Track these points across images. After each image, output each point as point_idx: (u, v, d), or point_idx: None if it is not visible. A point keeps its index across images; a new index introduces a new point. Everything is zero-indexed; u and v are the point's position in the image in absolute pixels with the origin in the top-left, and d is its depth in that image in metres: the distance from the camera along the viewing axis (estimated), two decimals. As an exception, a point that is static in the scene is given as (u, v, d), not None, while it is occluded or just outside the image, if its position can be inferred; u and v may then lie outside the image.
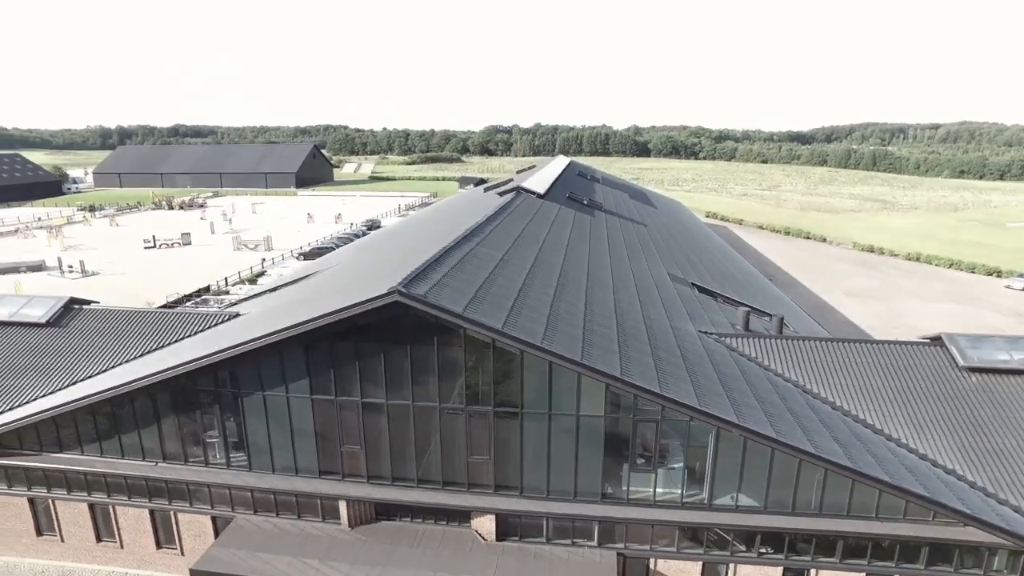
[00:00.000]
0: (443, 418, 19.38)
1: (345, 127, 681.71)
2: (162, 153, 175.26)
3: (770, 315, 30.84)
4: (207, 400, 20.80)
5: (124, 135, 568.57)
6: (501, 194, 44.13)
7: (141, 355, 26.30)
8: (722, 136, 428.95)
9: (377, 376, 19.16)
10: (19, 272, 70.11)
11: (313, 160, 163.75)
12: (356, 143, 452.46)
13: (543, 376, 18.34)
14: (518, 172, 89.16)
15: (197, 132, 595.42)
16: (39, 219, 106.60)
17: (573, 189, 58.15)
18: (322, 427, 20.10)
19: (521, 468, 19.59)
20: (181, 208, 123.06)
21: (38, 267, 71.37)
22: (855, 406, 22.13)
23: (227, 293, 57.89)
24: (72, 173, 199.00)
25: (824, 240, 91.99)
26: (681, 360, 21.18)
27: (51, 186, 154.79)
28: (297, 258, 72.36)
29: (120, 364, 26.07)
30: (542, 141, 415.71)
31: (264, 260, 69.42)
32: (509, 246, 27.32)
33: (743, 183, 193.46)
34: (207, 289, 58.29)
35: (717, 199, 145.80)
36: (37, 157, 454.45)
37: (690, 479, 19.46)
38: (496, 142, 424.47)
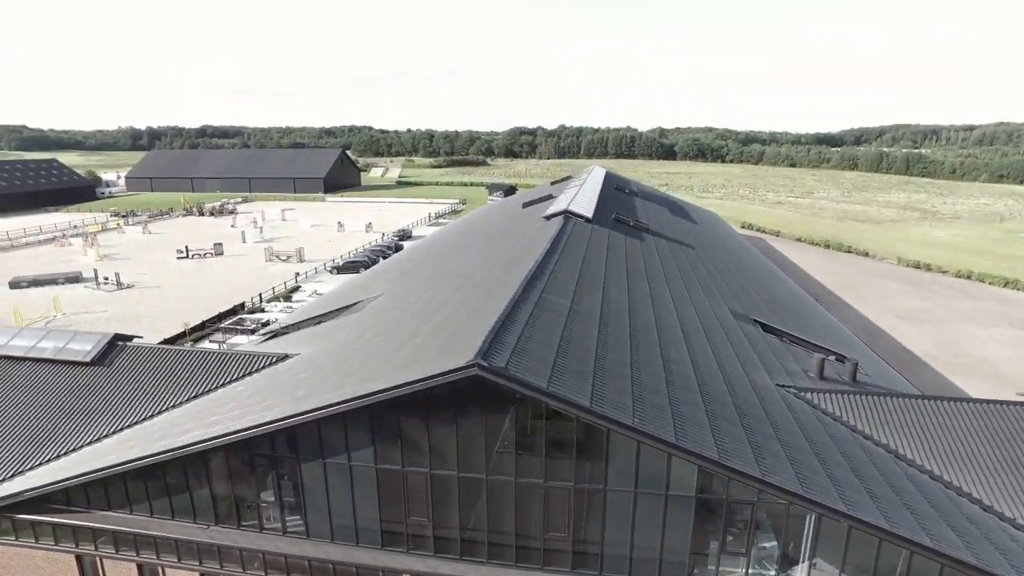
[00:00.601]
0: (518, 492, 17.98)
1: (370, 128, 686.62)
2: (192, 157, 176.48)
3: (843, 358, 29.03)
4: (263, 464, 19.63)
5: (154, 136, 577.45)
6: (548, 218, 42.66)
7: (190, 399, 25.30)
8: (748, 138, 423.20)
9: (448, 447, 17.83)
10: (57, 284, 70.18)
11: (341, 165, 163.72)
12: (381, 144, 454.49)
13: (630, 453, 16.88)
14: (553, 183, 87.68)
15: (224, 133, 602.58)
16: (75, 226, 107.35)
17: (616, 207, 56.54)
18: (387, 497, 18.81)
19: (602, 547, 18.14)
20: (212, 214, 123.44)
21: (75, 279, 71.38)
22: (957, 476, 20.36)
23: (262, 311, 57.15)
24: (105, 176, 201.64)
25: (866, 254, 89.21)
26: (770, 427, 19.56)
27: (86, 191, 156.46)
28: (331, 271, 71.57)
29: (168, 408, 25.10)
30: (567, 143, 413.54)
31: (297, 275, 68.68)
32: (573, 289, 25.87)
33: (775, 189, 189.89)
34: (242, 307, 57.56)
35: (750, 207, 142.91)
36: (71, 158, 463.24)
37: (784, 561, 17.87)
38: (521, 144, 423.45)
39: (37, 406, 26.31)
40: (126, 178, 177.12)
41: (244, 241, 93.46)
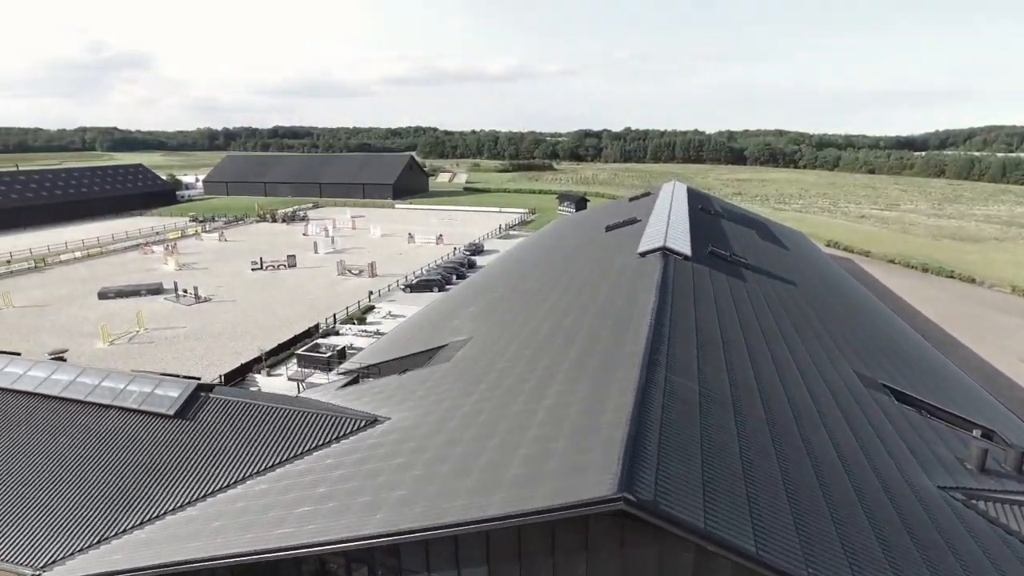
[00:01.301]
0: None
1: (435, 129, 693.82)
2: (265, 162, 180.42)
3: (1007, 444, 25.15)
4: (361, 570, 17.64)
5: (229, 136, 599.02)
6: (643, 254, 39.73)
7: (274, 465, 23.69)
8: (823, 143, 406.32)
9: None
10: (140, 295, 71.40)
11: (410, 171, 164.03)
12: (446, 146, 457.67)
13: (800, 605, 14.01)
14: (631, 199, 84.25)
15: (295, 134, 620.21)
16: (157, 232, 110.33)
17: (707, 235, 53.04)
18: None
19: None
20: (284, 221, 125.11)
21: (156, 290, 72.50)
22: None
23: (337, 333, 56.16)
24: (184, 178, 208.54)
25: (972, 280, 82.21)
26: (954, 559, 16.30)
27: (167, 195, 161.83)
28: (404, 289, 70.38)
29: (252, 474, 23.57)
30: (633, 147, 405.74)
31: (371, 293, 67.67)
32: (695, 361, 23.04)
33: (856, 200, 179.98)
34: (316, 328, 56.71)
35: (832, 222, 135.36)
36: (155, 159, 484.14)
37: None
38: (586, 147, 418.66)
39: (122, 460, 25.28)
40: (204, 181, 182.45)
41: (316, 251, 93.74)
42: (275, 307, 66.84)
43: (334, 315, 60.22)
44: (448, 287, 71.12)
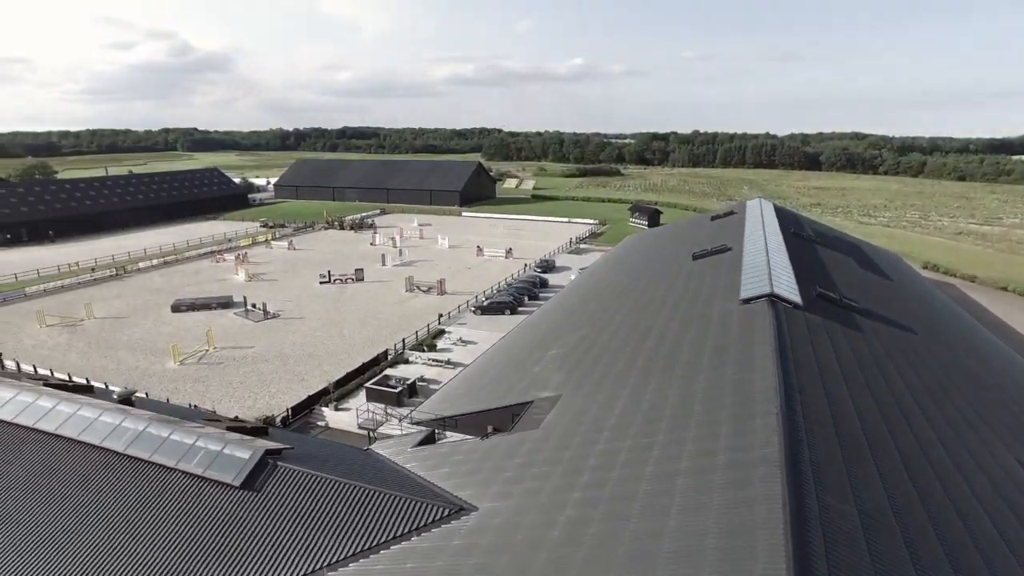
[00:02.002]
0: None
1: (499, 131, 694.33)
2: (333, 167, 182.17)
3: None
4: None
5: (299, 137, 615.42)
6: (746, 301, 35.65)
7: (347, 557, 21.08)
8: (906, 146, 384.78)
9: None
10: (211, 308, 71.28)
11: (477, 177, 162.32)
12: (511, 148, 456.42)
13: None
14: (714, 217, 79.24)
15: (362, 134, 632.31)
16: (229, 239, 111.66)
17: (807, 270, 48.24)
18: None
19: None
20: (352, 228, 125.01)
21: (226, 303, 72.29)
22: None
23: (406, 361, 53.90)
24: (256, 181, 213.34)
25: (1104, 315, 73.59)
26: None
27: (240, 199, 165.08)
28: (474, 311, 67.79)
29: (323, 565, 21.03)
30: (701, 151, 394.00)
31: (441, 316, 65.35)
32: (842, 466, 19.19)
33: (949, 212, 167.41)
34: (385, 355, 54.63)
35: (927, 239, 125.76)
36: (230, 159, 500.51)
37: None
38: (652, 150, 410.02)
39: (179, 535, 23.19)
40: (275, 185, 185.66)
41: (384, 263, 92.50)
42: (343, 327, 65.34)
43: (403, 340, 58.08)
44: (520, 309, 68.25)
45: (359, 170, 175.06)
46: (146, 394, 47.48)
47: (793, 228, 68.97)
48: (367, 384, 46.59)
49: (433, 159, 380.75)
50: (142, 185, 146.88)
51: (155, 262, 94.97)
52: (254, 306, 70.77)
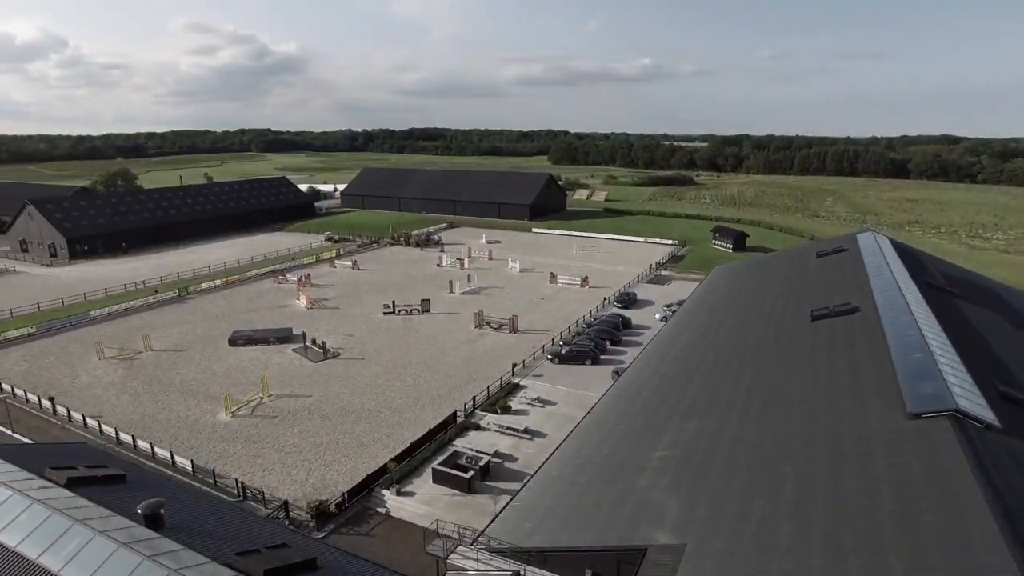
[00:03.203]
0: None
1: (566, 133, 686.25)
2: (401, 177, 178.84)
3: None
4: None
5: (368, 138, 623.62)
6: (915, 416, 27.43)
7: None
8: (1008, 151, 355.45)
9: None
10: (268, 343, 67.02)
11: (548, 190, 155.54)
12: (578, 152, 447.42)
13: None
14: (820, 255, 69.83)
15: (428, 135, 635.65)
16: (292, 257, 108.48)
17: (971, 349, 39.21)
18: None
19: None
20: (418, 245, 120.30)
21: (286, 338, 67.87)
22: None
23: (477, 427, 47.60)
24: (323, 187, 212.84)
25: None
26: None
27: (306, 208, 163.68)
28: (551, 359, 60.94)
29: None
30: (777, 157, 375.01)
31: (515, 366, 58.81)
32: None
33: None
34: (453, 418, 48.47)
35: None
36: (301, 160, 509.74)
37: None
38: (725, 156, 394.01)
39: None
40: (341, 194, 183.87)
41: (451, 290, 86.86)
42: (407, 372, 59.67)
43: (473, 398, 51.78)
44: (602, 357, 61.11)
45: (426, 180, 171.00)
46: (191, 463, 42.85)
47: (924, 276, 59.18)
48: (434, 465, 40.43)
49: (500, 165, 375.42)
50: (211, 195, 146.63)
51: (218, 282, 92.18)
52: (313, 342, 66.10)
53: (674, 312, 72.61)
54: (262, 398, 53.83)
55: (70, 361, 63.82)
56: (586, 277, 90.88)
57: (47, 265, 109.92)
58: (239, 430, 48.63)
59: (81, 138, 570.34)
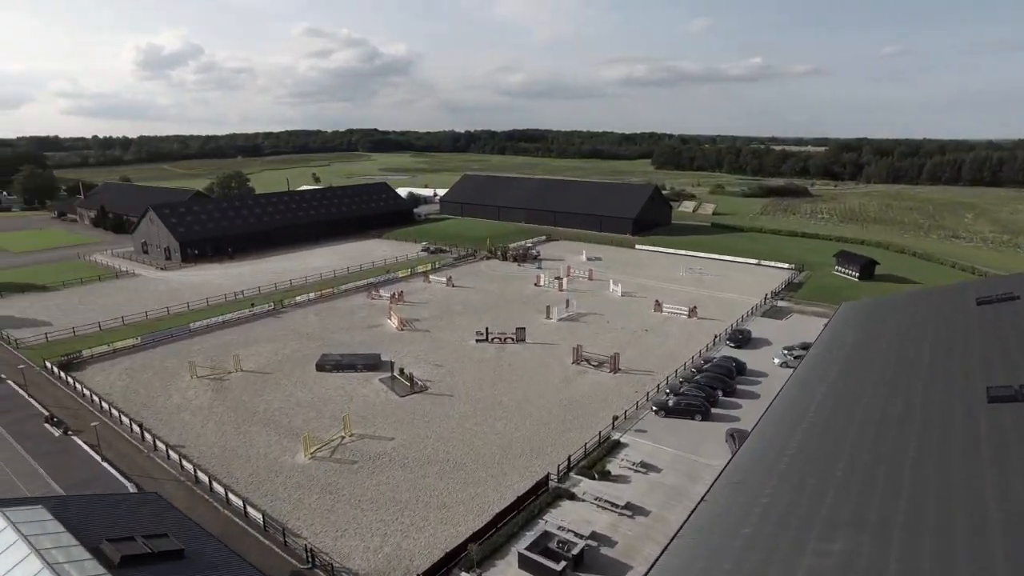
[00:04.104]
0: None
1: (670, 136, 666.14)
2: (500, 185, 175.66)
3: None
4: None
5: (470, 139, 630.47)
6: None
7: None
8: None
9: None
10: (356, 369, 64.50)
11: (652, 202, 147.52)
12: (683, 157, 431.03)
13: None
14: (980, 302, 59.44)
15: (530, 137, 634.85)
16: (387, 271, 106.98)
17: None
18: None
19: None
20: (515, 260, 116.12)
21: (373, 365, 65.11)
22: None
23: (570, 496, 42.24)
24: (423, 192, 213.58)
25: None
26: None
27: (405, 215, 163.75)
28: (656, 411, 54.60)
29: None
30: (903, 164, 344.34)
31: (615, 419, 52.93)
32: None
33: None
34: (545, 483, 43.32)
35: None
36: (405, 160, 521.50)
37: None
38: (843, 163, 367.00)
39: None
40: (441, 201, 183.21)
41: (548, 315, 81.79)
42: (495, 416, 55.08)
43: (568, 459, 46.43)
44: (712, 410, 54.23)
45: (526, 190, 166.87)
46: (263, 517, 40.03)
47: None
48: (521, 549, 35.46)
49: (602, 168, 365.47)
50: (314, 200, 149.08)
51: (312, 296, 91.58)
52: (401, 372, 62.92)
53: (796, 357, 64.36)
54: (343, 437, 50.87)
55: (165, 378, 63.84)
56: (694, 307, 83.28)
57: (161, 268, 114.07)
58: (316, 476, 45.67)
59: (209, 138, 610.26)
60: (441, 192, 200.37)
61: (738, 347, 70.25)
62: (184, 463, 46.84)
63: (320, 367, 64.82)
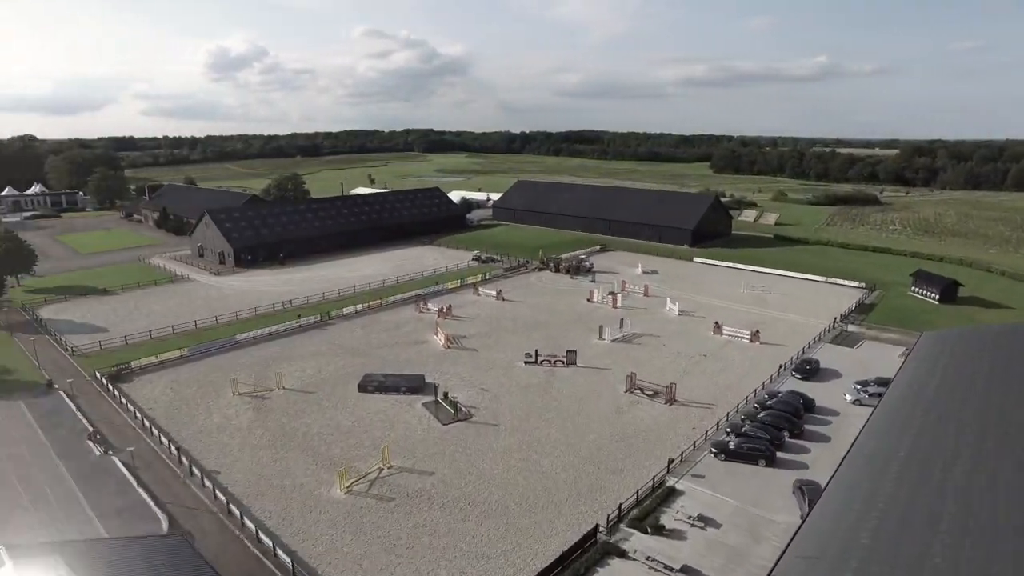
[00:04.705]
0: None
1: (730, 138, 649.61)
2: (554, 192, 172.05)
3: None
4: None
5: (525, 140, 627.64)
6: None
7: None
8: None
9: None
10: (399, 391, 62.36)
11: (712, 212, 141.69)
12: (743, 161, 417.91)
13: None
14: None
15: (585, 138, 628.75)
16: (436, 282, 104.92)
17: None
18: None
19: None
20: (568, 272, 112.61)
21: (417, 387, 62.87)
22: None
23: (620, 553, 38.75)
24: (477, 195, 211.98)
25: None
26: None
27: (457, 221, 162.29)
28: (715, 453, 50.44)
29: None
30: (984, 170, 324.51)
31: (671, 462, 49.03)
32: None
33: None
34: (593, 536, 39.95)
35: None
36: (460, 160, 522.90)
37: None
38: (915, 168, 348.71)
39: None
40: (493, 207, 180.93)
41: (601, 336, 78.07)
42: (541, 452, 51.90)
43: (619, 508, 42.93)
44: (778, 455, 49.78)
45: (581, 197, 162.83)
46: (292, 563, 37.91)
47: None
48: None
49: (659, 172, 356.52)
50: (366, 206, 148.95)
51: (359, 307, 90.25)
52: (445, 396, 60.49)
53: (871, 395, 58.95)
54: (381, 469, 48.63)
55: (208, 393, 63.14)
56: (756, 331, 78.23)
57: (215, 273, 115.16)
58: (351, 513, 43.48)
59: (270, 138, 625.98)
60: (494, 197, 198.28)
61: (805, 379, 65.16)
62: (217, 493, 45.36)
63: (363, 388, 62.97)
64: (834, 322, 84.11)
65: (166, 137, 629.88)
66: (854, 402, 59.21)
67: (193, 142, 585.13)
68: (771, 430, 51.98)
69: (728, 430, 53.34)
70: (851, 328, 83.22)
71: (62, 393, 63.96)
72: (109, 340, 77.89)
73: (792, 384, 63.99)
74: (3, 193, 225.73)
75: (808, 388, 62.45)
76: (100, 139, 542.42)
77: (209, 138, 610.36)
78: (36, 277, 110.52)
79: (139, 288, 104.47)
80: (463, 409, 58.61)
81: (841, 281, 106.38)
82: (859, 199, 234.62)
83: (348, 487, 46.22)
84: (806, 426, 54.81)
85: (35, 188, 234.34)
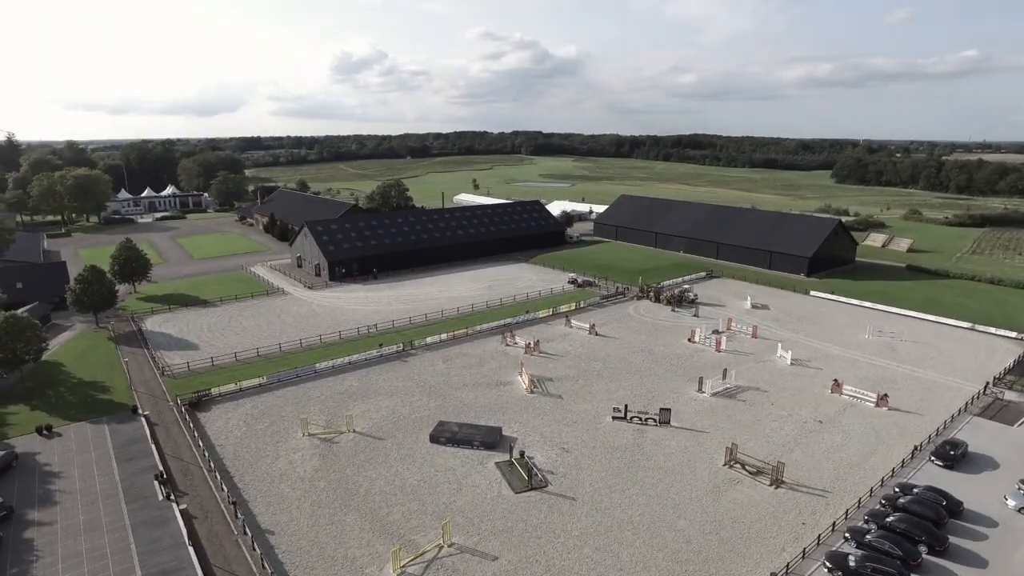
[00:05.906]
0: None
1: (855, 144, 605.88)
2: (660, 209, 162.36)
3: None
4: None
5: (634, 144, 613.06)
6: None
7: None
8: None
9: None
10: (472, 445, 57.87)
11: (834, 238, 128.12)
12: (869, 170, 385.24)
13: None
14: None
15: (697, 143, 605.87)
16: (527, 310, 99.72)
17: None
18: None
19: None
20: (669, 303, 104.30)
21: (492, 444, 58.09)
22: None
23: None
24: (580, 207, 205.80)
25: None
26: None
27: (556, 237, 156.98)
28: (830, 571, 41.97)
29: None
30: None
31: (775, 575, 41.28)
32: None
33: None
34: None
35: None
36: (567, 165, 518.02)
37: None
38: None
39: None
40: (595, 222, 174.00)
41: (701, 389, 70.13)
42: (621, 540, 45.38)
43: (707, 640, 35.91)
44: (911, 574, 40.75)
45: (688, 217, 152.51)
46: (324, 675, 33.81)
47: None
48: None
49: (775, 180, 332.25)
50: (463, 219, 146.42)
51: (444, 336, 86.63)
52: (522, 455, 55.22)
53: (1041, 500, 47.94)
54: (440, 547, 44.00)
55: (279, 431, 61.34)
56: (884, 394, 67.46)
57: (309, 287, 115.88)
58: (402, 606, 39.02)
59: (383, 138, 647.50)
60: (598, 209, 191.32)
61: (948, 467, 54.49)
62: (265, 563, 42.30)
63: (434, 439, 58.85)
64: (986, 387, 71.22)
65: (288, 137, 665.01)
66: (1017, 509, 48.29)
67: (312, 142, 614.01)
68: (904, 543, 42.82)
69: (847, 535, 44.60)
70: (1009, 396, 70.03)
71: (143, 419, 64.14)
72: (198, 360, 78.48)
73: (931, 473, 53.67)
74: (143, 195, 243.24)
75: (953, 482, 51.97)
76: (231, 139, 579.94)
77: (327, 138, 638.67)
78: (152, 283, 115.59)
79: (236, 300, 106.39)
80: (538, 475, 53.04)
81: (992, 329, 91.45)
82: (1014, 220, 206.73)
83: (402, 567, 41.90)
84: (951, 538, 44.96)
85: (168, 190, 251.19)
